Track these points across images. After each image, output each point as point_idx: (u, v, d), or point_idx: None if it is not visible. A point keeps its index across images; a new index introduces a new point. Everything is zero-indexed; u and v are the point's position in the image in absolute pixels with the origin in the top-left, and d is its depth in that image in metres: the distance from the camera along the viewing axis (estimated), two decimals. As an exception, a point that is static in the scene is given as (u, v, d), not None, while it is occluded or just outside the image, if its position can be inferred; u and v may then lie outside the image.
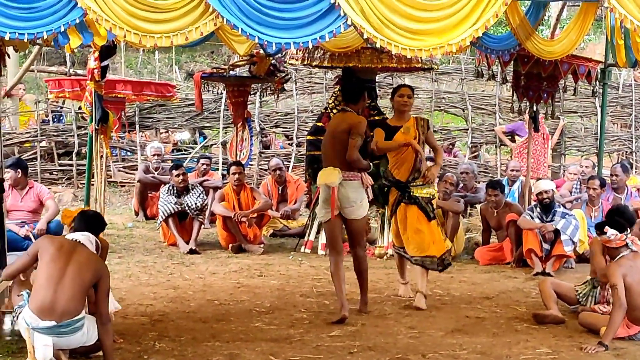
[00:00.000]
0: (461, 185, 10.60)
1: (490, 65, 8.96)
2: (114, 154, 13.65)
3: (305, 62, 9.53)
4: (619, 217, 6.11)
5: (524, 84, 9.25)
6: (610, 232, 6.02)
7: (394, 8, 5.37)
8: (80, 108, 12.75)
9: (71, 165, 13.98)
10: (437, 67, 11.06)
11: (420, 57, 7.91)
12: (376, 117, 9.07)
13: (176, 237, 9.73)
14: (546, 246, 8.72)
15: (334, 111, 8.89)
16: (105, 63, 7.92)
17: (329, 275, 6.82)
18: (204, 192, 10.20)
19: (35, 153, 13.94)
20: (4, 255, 6.65)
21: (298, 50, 9.08)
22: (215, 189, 11.02)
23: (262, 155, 14.20)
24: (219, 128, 14.68)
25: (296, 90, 14.75)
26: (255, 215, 9.81)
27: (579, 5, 7.52)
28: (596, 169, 10.79)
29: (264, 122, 14.59)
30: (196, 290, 7.55)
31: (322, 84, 14.85)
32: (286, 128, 14.82)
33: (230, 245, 9.67)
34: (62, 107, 15.33)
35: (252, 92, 11.47)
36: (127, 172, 14.15)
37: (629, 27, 5.53)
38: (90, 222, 5.44)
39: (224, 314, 6.66)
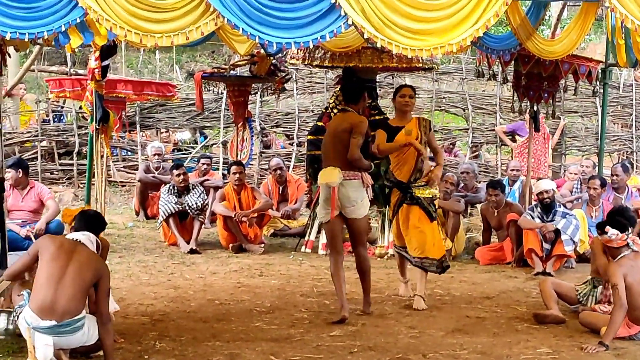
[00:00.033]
0: (462, 185, 10.59)
1: (491, 65, 8.97)
2: (114, 154, 13.65)
3: (306, 62, 9.55)
4: (620, 217, 6.11)
5: (524, 83, 9.26)
6: (612, 232, 6.02)
7: (395, 8, 5.37)
8: (80, 108, 12.74)
9: (72, 164, 13.98)
10: (438, 66, 11.07)
11: (421, 57, 7.91)
12: (377, 117, 9.08)
13: (177, 236, 9.73)
14: (547, 246, 8.72)
15: (335, 111, 8.89)
16: (106, 63, 7.91)
17: (329, 275, 6.82)
18: (204, 192, 10.20)
19: (36, 153, 13.95)
20: (4, 255, 6.65)
21: (299, 50, 9.09)
22: (216, 188, 11.02)
23: (263, 155, 14.20)
24: (219, 128, 14.68)
25: (297, 90, 14.75)
26: (255, 215, 9.81)
27: (579, 5, 7.52)
28: (597, 168, 10.78)
29: (265, 121, 14.59)
30: (197, 290, 7.55)
31: (323, 83, 14.86)
32: (287, 128, 14.82)
33: (230, 245, 9.68)
34: (62, 107, 15.35)
35: (252, 92, 11.47)
36: (127, 172, 14.16)
37: (630, 26, 5.53)
38: (91, 221, 5.44)
39: (224, 314, 6.67)
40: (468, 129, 14.68)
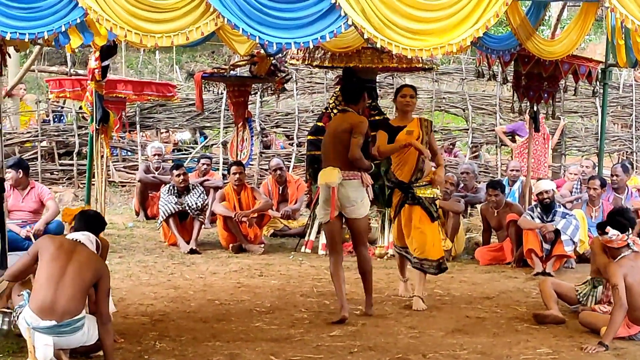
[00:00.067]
0: (461, 185, 10.60)
1: (491, 65, 8.97)
2: (114, 154, 13.66)
3: (306, 62, 9.54)
4: (620, 218, 6.11)
5: (524, 84, 9.26)
6: (612, 232, 6.02)
7: (395, 8, 5.38)
8: (80, 108, 12.76)
9: (72, 165, 13.99)
10: (438, 67, 11.06)
11: (421, 57, 7.92)
12: (377, 117, 9.07)
13: (177, 237, 9.73)
14: (546, 246, 8.72)
15: (335, 111, 8.89)
16: (106, 63, 7.91)
17: (329, 275, 6.82)
18: (204, 192, 10.20)
19: (36, 153, 13.96)
20: (4, 255, 6.65)
21: (299, 50, 9.09)
22: (216, 188, 11.02)
23: (263, 155, 14.20)
24: (219, 128, 14.69)
25: (297, 90, 14.76)
26: (255, 215, 9.81)
27: (579, 5, 7.52)
28: (596, 169, 10.78)
29: (265, 122, 14.60)
30: (197, 290, 7.55)
31: (323, 84, 14.87)
32: (287, 128, 14.83)
33: (230, 245, 9.68)
34: (62, 107, 15.35)
35: (252, 92, 11.48)
36: (127, 172, 14.16)
37: (630, 27, 5.54)
38: (91, 221, 5.44)
39: (224, 314, 6.67)
40: (468, 129, 14.69)
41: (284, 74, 9.89)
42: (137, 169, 13.10)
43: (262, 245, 9.71)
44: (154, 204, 11.50)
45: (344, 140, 6.39)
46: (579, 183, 10.79)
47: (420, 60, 9.18)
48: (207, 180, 11.33)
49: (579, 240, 8.91)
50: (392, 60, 9.07)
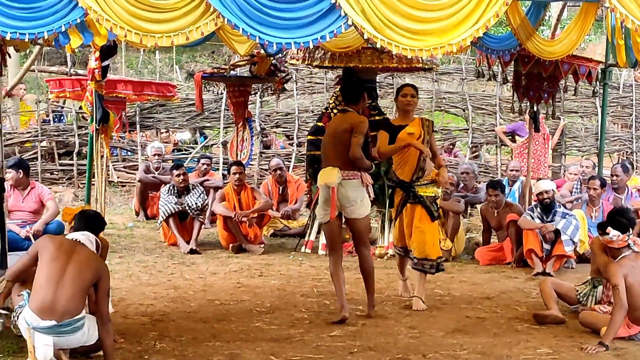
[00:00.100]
0: (462, 185, 10.60)
1: (491, 65, 8.97)
2: (113, 154, 13.66)
3: (306, 62, 9.53)
4: (620, 218, 6.10)
5: (524, 84, 9.26)
6: (613, 233, 6.01)
7: (395, 8, 5.38)
8: (80, 108, 12.76)
9: (72, 165, 14.00)
10: (438, 67, 11.06)
11: (421, 57, 7.91)
12: (377, 117, 9.07)
13: (177, 237, 9.73)
14: (546, 246, 8.72)
15: (335, 111, 8.88)
16: (106, 63, 7.91)
17: (329, 275, 6.81)
18: (204, 192, 10.20)
19: (36, 153, 13.96)
20: (4, 255, 6.66)
21: (299, 50, 9.08)
22: (216, 188, 11.02)
23: (263, 155, 14.20)
24: (219, 128, 14.69)
25: (297, 90, 14.76)
26: (255, 215, 9.81)
27: (579, 6, 7.51)
28: (596, 169, 10.79)
29: (265, 122, 14.60)
30: (197, 290, 7.55)
31: (323, 84, 14.87)
32: (287, 128, 14.83)
33: (230, 245, 9.68)
34: (62, 107, 15.35)
35: (252, 92, 11.48)
36: (127, 172, 14.16)
37: (630, 27, 5.54)
38: (90, 221, 5.45)
39: (224, 314, 6.67)
40: (468, 130, 14.69)
41: (284, 74, 9.89)
42: (137, 169, 13.10)
43: (262, 245, 9.70)
44: (154, 204, 11.50)
45: (344, 140, 6.38)
46: (579, 183, 10.79)
47: (420, 61, 9.18)
48: (207, 180, 11.33)
49: (579, 241, 8.91)
50: (392, 60, 9.06)
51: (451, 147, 15.09)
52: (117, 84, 11.84)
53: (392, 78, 14.65)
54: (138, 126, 14.48)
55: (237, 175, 9.98)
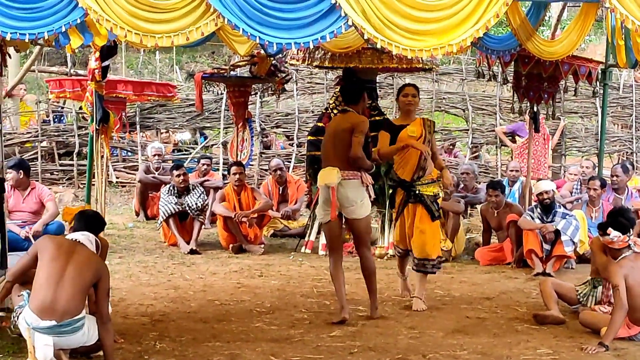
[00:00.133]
0: (462, 185, 10.60)
1: (491, 65, 8.97)
2: (114, 154, 13.66)
3: (306, 63, 9.54)
4: (621, 218, 6.10)
5: (524, 84, 9.26)
6: (614, 234, 6.00)
7: (395, 8, 5.37)
8: (81, 108, 12.76)
9: (72, 165, 14.00)
10: (438, 67, 11.07)
11: (421, 58, 7.90)
12: (377, 118, 9.07)
13: (177, 237, 9.73)
14: (547, 247, 8.72)
15: (335, 112, 8.88)
16: (106, 63, 7.92)
17: (329, 276, 6.80)
18: (204, 193, 10.20)
19: (36, 153, 13.97)
20: (4, 256, 6.66)
21: (299, 51, 9.08)
22: (216, 189, 11.02)
23: (263, 155, 14.20)
24: (219, 128, 14.69)
25: (297, 90, 14.76)
26: (255, 215, 9.81)
27: (579, 6, 7.52)
28: (597, 169, 10.79)
29: (265, 122, 14.60)
30: (197, 291, 7.55)
31: (323, 84, 14.87)
32: (287, 128, 14.83)
33: (230, 245, 9.68)
34: (62, 107, 15.36)
35: (252, 93, 11.48)
36: (127, 173, 14.16)
37: (630, 27, 5.53)
38: (90, 221, 5.44)
39: (224, 314, 6.67)
40: (468, 130, 14.69)
41: (284, 75, 9.89)
42: (137, 170, 13.11)
43: (262, 246, 9.71)
44: (154, 204, 11.50)
45: (344, 140, 6.38)
46: (579, 183, 10.79)
47: (421, 61, 9.18)
48: (207, 180, 11.34)
49: (579, 241, 8.91)
50: (392, 60, 9.07)
51: (451, 147, 15.09)
52: (117, 84, 11.85)
53: (392, 78, 14.65)
54: (138, 126, 14.48)
55: (237, 176, 9.98)
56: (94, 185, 8.82)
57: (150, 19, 5.11)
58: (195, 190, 10.02)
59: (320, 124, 9.42)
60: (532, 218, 8.85)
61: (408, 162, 6.83)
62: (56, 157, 14.16)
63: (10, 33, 4.94)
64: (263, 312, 6.75)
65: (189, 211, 9.81)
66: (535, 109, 9.56)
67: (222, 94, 12.34)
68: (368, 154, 6.53)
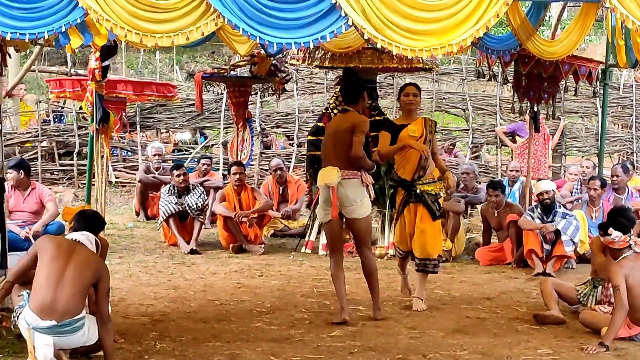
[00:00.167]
0: (462, 185, 10.59)
1: (491, 65, 8.97)
2: (114, 154, 13.66)
3: (306, 63, 9.54)
4: (621, 218, 6.10)
5: (524, 84, 9.26)
6: (615, 234, 6.00)
7: (395, 8, 5.37)
8: (81, 108, 12.76)
9: (72, 165, 14.00)
10: (438, 67, 11.06)
11: (421, 58, 7.89)
12: (377, 118, 9.07)
13: (177, 237, 9.73)
14: (547, 247, 8.71)
15: (335, 111, 8.88)
16: (106, 63, 7.91)
17: (329, 276, 6.80)
18: (204, 192, 10.20)
19: (36, 153, 13.97)
20: (4, 256, 6.65)
21: (299, 51, 9.08)
22: (216, 189, 11.02)
23: (263, 155, 14.21)
24: (219, 128, 14.69)
25: (297, 90, 14.76)
26: (256, 215, 9.81)
27: (579, 6, 7.51)
28: (597, 169, 10.79)
29: (265, 122, 14.60)
30: (197, 291, 7.55)
31: (323, 84, 14.87)
32: (287, 128, 14.83)
33: (231, 245, 9.68)
34: (63, 107, 15.36)
35: (253, 93, 11.48)
36: (127, 172, 14.16)
37: (631, 27, 5.53)
38: (90, 221, 5.44)
39: (224, 314, 6.67)
40: (468, 130, 14.69)
41: (284, 74, 9.89)
42: (137, 169, 13.11)
43: (263, 246, 9.71)
44: (154, 204, 11.50)
45: (344, 140, 6.37)
46: (579, 183, 10.79)
47: (421, 61, 9.18)
48: (208, 180, 11.34)
49: (579, 241, 8.90)
50: (392, 60, 9.07)
51: (451, 147, 15.09)
52: (117, 84, 11.85)
53: (393, 78, 14.66)
54: (138, 126, 14.48)
55: (237, 176, 9.98)
56: (94, 185, 8.82)
57: (150, 19, 5.11)
58: (195, 190, 10.02)
59: (320, 124, 9.42)
60: (533, 218, 8.85)
61: (409, 161, 6.82)
62: (56, 157, 14.17)
63: (10, 33, 4.93)
64: (263, 312, 6.75)
65: (189, 211, 9.81)
66: (535, 109, 9.56)
67: (222, 94, 12.34)
68: (368, 154, 6.53)
